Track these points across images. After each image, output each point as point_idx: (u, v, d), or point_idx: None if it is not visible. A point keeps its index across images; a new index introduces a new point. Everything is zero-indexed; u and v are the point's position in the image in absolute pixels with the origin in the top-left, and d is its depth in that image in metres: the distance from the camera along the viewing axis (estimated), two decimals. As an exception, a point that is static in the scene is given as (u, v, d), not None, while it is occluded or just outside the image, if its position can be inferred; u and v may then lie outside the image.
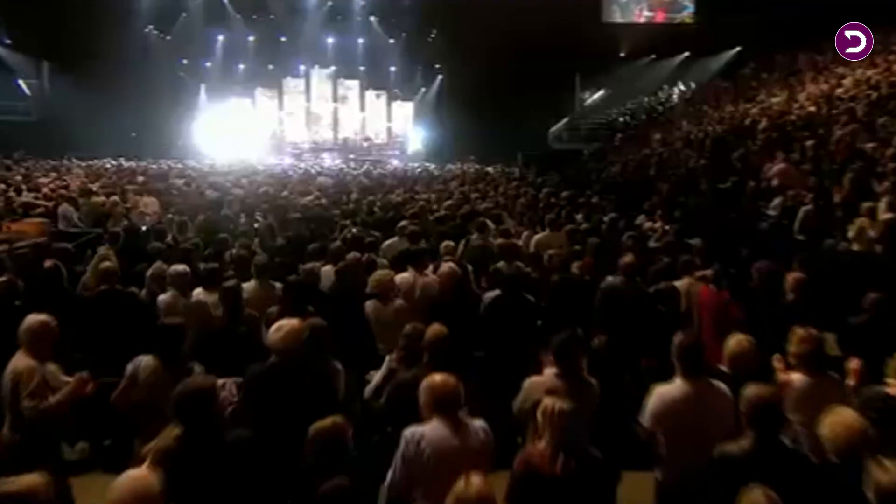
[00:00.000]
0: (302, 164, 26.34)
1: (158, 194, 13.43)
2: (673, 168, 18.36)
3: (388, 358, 4.39)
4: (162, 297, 5.83)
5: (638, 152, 22.86)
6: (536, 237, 8.57)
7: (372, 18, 33.13)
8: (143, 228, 9.65)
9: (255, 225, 10.24)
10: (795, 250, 9.47)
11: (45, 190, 13.20)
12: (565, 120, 32.75)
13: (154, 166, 23.11)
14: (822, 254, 8.93)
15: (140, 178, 17.40)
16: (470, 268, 6.70)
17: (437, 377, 3.43)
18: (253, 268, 6.35)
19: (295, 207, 11.35)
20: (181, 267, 5.92)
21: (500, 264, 6.45)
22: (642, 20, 32.92)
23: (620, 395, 4.49)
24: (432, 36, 32.59)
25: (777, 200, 11.64)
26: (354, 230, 8.97)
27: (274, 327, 4.15)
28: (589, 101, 34.13)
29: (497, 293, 5.86)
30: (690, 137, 20.65)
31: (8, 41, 31.09)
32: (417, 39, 32.92)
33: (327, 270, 6.88)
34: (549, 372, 4.13)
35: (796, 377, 4.08)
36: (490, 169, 24.30)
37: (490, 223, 8.87)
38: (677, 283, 6.14)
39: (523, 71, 29.53)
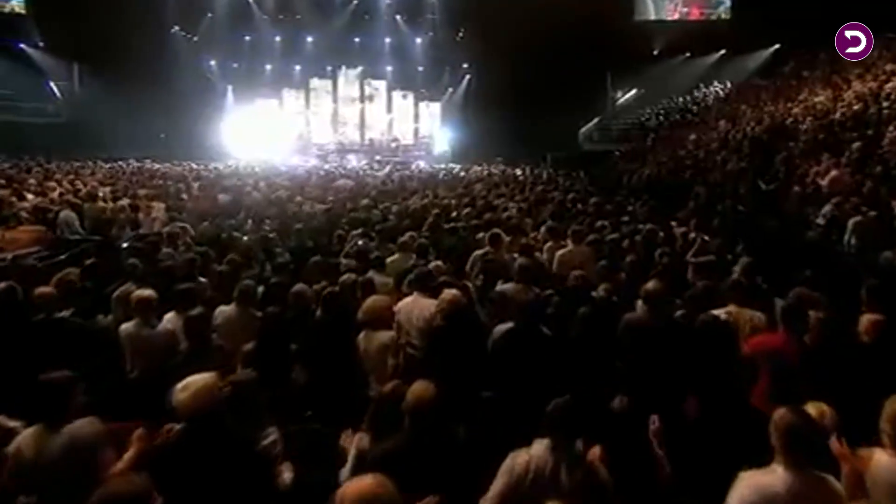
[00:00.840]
0: (326, 166, 25.66)
1: (167, 199, 12.75)
2: (709, 171, 17.24)
3: (357, 436, 3.43)
4: (124, 327, 5.03)
5: (672, 154, 21.70)
6: (560, 252, 7.61)
7: (398, 17, 32.38)
8: (124, 245, 8.86)
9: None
10: (851, 267, 8.44)
11: (52, 195, 12.62)
12: (596, 120, 31.62)
13: (178, 168, 22.60)
14: (882, 270, 7.85)
15: (158, 182, 16.84)
16: (476, 289, 5.80)
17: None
18: (236, 291, 5.53)
19: (304, 215, 10.53)
20: (147, 291, 5.12)
21: (514, 288, 5.53)
22: (676, 17, 31.59)
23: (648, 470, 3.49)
24: (460, 35, 31.78)
25: (827, 208, 10.52)
26: (360, 242, 8.11)
27: (181, 385, 3.27)
28: (621, 101, 32.90)
29: (510, 326, 4.94)
30: (728, 138, 19.44)
31: (41, 43, 31.09)
32: (445, 38, 32.19)
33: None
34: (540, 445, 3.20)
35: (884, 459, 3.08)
36: (518, 171, 23.31)
37: (504, 236, 7.92)
38: (721, 313, 5.11)
39: (553, 70, 28.69)
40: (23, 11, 30.40)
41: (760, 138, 17.61)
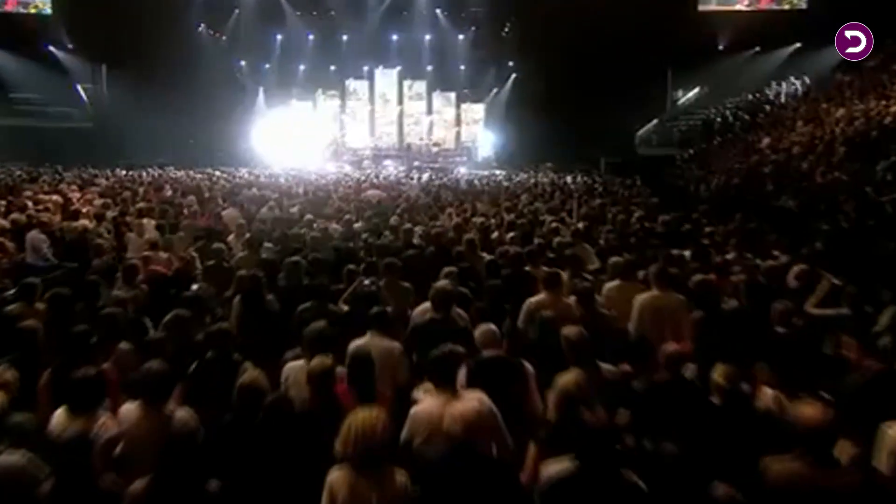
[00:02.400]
0: (357, 174, 24.10)
1: (161, 215, 11.19)
2: (793, 179, 15.00)
3: None
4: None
5: (745, 159, 19.43)
6: (638, 302, 5.68)
7: (438, 12, 30.71)
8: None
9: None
10: None
11: (30, 211, 11.15)
12: (655, 121, 29.55)
13: (199, 176, 21.28)
14: None
15: (167, 193, 15.42)
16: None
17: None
18: (144, 382, 3.77)
19: (312, 241, 8.76)
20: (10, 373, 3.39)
21: (572, 382, 3.64)
22: (745, 7, 29.14)
23: None
24: (505, 30, 30.07)
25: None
26: (368, 282, 6.30)
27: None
28: (682, 101, 30.64)
29: (570, 468, 3.04)
30: (814, 142, 17.11)
31: (69, 46, 30.57)
32: (489, 34, 30.48)
33: (296, 370, 4.28)
34: None
35: None
36: (569, 179, 21.32)
37: (563, 275, 6.06)
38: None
39: (607, 67, 27.04)
40: (49, 12, 29.74)
41: (857, 141, 15.31)
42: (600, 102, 26.92)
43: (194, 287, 5.87)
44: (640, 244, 8.83)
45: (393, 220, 10.30)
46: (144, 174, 21.48)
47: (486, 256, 8.09)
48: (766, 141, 21.00)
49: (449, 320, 5.17)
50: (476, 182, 20.40)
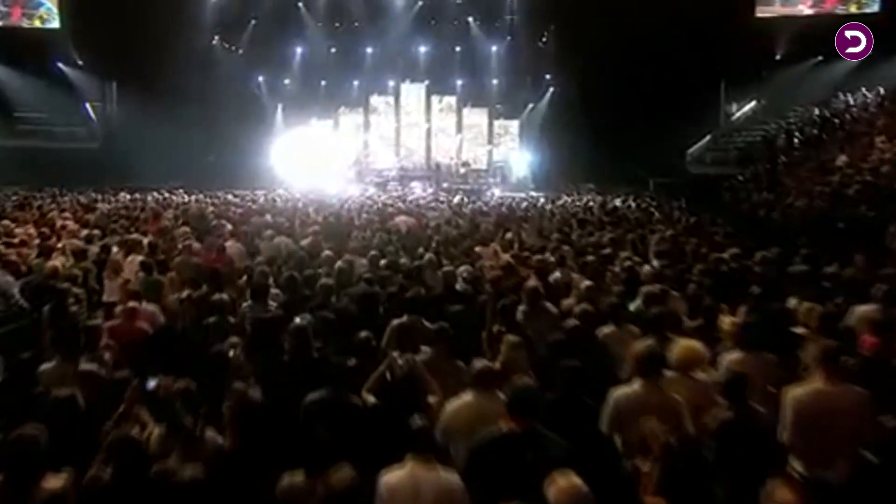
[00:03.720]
0: (383, 196, 22.66)
1: (151, 251, 9.69)
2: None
3: None
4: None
5: (822, 179, 17.57)
6: (794, 400, 3.99)
7: (470, 20, 29.40)
8: None
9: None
10: None
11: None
12: (707, 138, 27.81)
13: (210, 200, 19.95)
14: None
15: (165, 223, 14.01)
16: None
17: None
18: None
19: (321, 288, 7.15)
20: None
21: None
22: (808, 8, 27.40)
23: None
24: (543, 40, 28.54)
25: None
26: (401, 362, 4.65)
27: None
28: (737, 115, 28.84)
29: None
30: (912, 159, 15.27)
31: (78, 62, 29.97)
32: (525, 45, 29.20)
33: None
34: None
35: None
36: (618, 202, 19.62)
37: (670, 354, 4.41)
38: None
39: (654, 79, 25.83)
40: (57, 25, 29.01)
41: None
42: (647, 117, 25.55)
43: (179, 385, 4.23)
44: (741, 291, 7.10)
45: (428, 256, 8.65)
46: (150, 198, 20.27)
47: (552, 309, 6.45)
48: (842, 158, 19.17)
49: (536, 437, 3.50)
50: (514, 206, 18.75)
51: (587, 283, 7.22)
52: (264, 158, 29.09)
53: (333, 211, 16.26)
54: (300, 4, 29.11)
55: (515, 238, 11.60)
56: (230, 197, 20.97)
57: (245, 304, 7.18)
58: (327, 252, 9.20)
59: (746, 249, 9.41)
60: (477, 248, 10.23)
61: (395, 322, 5.98)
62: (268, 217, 14.76)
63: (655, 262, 8.93)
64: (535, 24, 28.44)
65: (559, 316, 6.40)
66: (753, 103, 28.51)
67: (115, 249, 10.10)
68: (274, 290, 7.63)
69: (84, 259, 9.25)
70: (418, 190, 26.88)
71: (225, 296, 7.13)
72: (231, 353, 4.92)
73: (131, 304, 7.07)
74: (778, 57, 28.28)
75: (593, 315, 5.99)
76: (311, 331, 5.08)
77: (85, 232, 11.22)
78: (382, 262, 8.99)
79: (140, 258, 9.20)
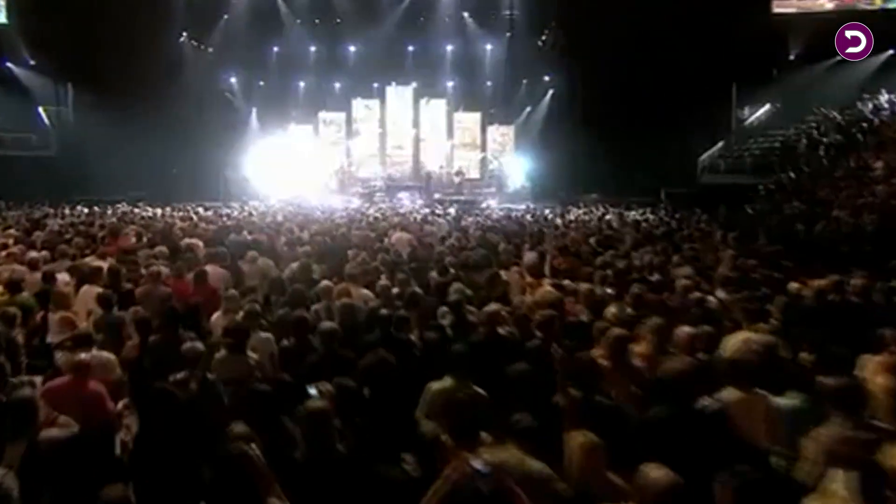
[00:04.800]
0: (371, 208, 21.40)
1: (113, 280, 8.27)
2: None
3: None
4: None
5: (863, 189, 16.57)
6: None
7: (466, 15, 28.36)
8: None
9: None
10: None
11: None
12: (720, 144, 26.86)
13: (178, 214, 18.50)
14: None
15: (132, 239, 12.57)
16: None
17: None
18: None
19: (324, 336, 5.76)
20: None
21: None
22: (830, 6, 26.64)
23: None
24: (543, 38, 27.48)
25: None
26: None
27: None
28: (749, 120, 27.94)
29: None
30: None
31: (31, 62, 28.77)
32: (523, 43, 28.19)
33: None
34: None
35: None
36: (634, 214, 18.46)
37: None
38: None
39: (661, 82, 25.15)
40: (5, 21, 27.56)
41: None
42: (654, 123, 24.81)
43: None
44: (857, 331, 5.86)
45: (454, 292, 7.25)
46: (109, 212, 18.80)
47: (639, 364, 5.16)
48: (877, 165, 18.27)
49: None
50: (521, 220, 17.47)
51: (656, 321, 5.92)
52: (237, 167, 28.04)
53: (322, 227, 14.85)
54: (278, -1, 28.04)
55: (539, 260, 10.30)
56: (200, 210, 19.53)
57: (218, 355, 5.81)
58: (325, 282, 7.82)
59: (818, 274, 8.18)
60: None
61: (437, 387, 4.66)
62: (245, 234, 13.36)
63: (721, 293, 7.68)
64: (534, 22, 27.53)
65: (645, 373, 5.10)
66: (767, 107, 27.58)
67: (63, 277, 8.67)
68: (263, 335, 6.28)
69: (20, 290, 7.79)
70: (407, 201, 25.92)
71: (199, 344, 5.74)
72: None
73: (81, 355, 5.66)
74: (791, 57, 27.52)
75: (694, 373, 4.69)
76: (332, 415, 3.70)
77: (33, 253, 9.74)
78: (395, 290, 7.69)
79: (97, 289, 7.77)
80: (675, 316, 6.69)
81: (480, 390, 4.84)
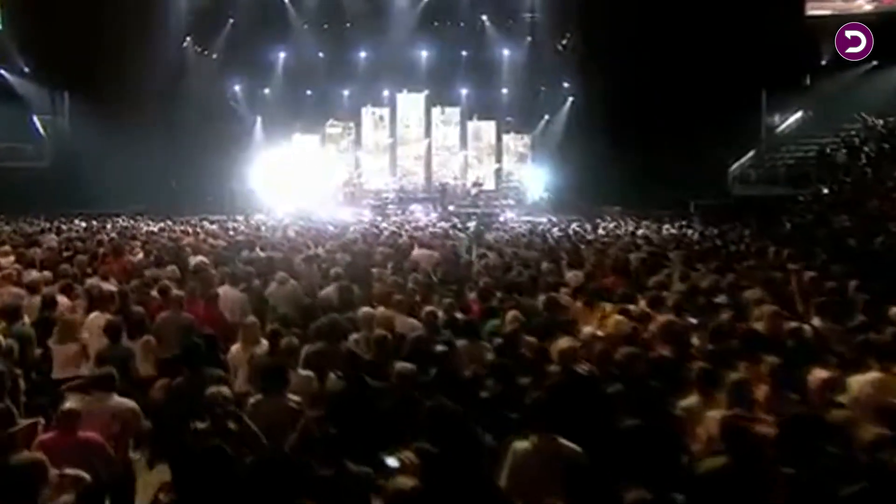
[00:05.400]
0: (384, 223, 20.75)
1: (122, 305, 7.59)
2: None
3: None
4: None
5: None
6: None
7: (485, 18, 27.86)
8: None
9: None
10: None
11: None
12: (750, 154, 26.26)
13: (181, 229, 17.77)
14: None
15: (138, 255, 11.92)
16: None
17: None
18: None
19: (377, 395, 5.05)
20: None
21: None
22: (868, 7, 26.09)
23: None
24: (563, 42, 27.02)
25: None
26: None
27: None
28: (781, 128, 27.36)
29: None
30: None
31: (26, 69, 28.47)
32: (543, 48, 27.81)
33: None
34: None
35: None
36: (670, 229, 17.77)
37: None
38: None
39: (687, 88, 24.50)
40: (-1, 27, 27.28)
41: None
42: (680, 131, 24.16)
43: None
44: None
45: (510, 321, 6.51)
46: (109, 226, 18.18)
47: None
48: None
49: None
50: (550, 236, 16.71)
51: (772, 360, 5.19)
52: (241, 178, 27.56)
53: (339, 243, 14.12)
54: (286, 1, 27.63)
55: (586, 280, 9.55)
56: (206, 224, 18.86)
57: (252, 399, 5.10)
58: (365, 308, 7.10)
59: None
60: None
61: (521, 447, 3.96)
62: (258, 252, 12.64)
63: (817, 321, 6.94)
64: (556, 26, 27.05)
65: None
66: (799, 114, 27.02)
67: (63, 301, 8.00)
68: (304, 373, 5.55)
69: (18, 318, 7.10)
70: (420, 214, 25.40)
71: (224, 388, 5.02)
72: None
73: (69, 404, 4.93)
74: (824, 62, 26.90)
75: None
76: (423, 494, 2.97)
77: (33, 273, 9.07)
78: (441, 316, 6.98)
79: (108, 317, 7.07)
80: (766, 349, 6.00)
81: (572, 445, 4.15)
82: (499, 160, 29.83)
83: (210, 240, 14.62)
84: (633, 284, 9.21)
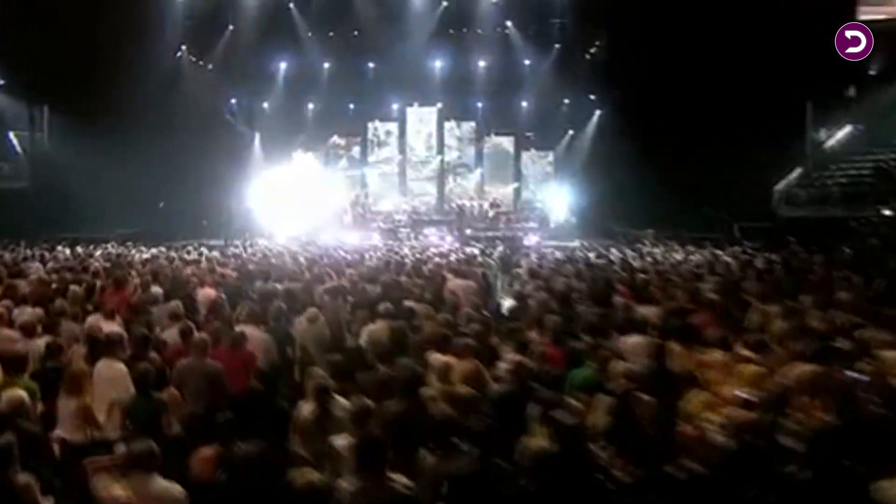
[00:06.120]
0: (402, 247, 20.11)
1: (138, 353, 6.74)
2: None
3: None
4: None
5: None
6: None
7: (509, 24, 27.49)
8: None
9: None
10: None
11: None
12: (797, 172, 25.64)
13: (175, 255, 16.93)
14: None
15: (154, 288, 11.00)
16: None
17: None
18: None
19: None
20: None
21: None
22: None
23: None
24: (591, 51, 26.50)
25: None
26: None
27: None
28: (829, 143, 26.81)
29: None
30: None
31: (1, 82, 27.95)
32: (569, 58, 27.35)
33: None
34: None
35: None
36: (724, 255, 16.97)
37: None
38: None
39: (725, 100, 24.07)
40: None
41: None
42: (719, 148, 23.57)
43: None
44: None
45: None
46: (99, 252, 17.33)
47: None
48: None
49: None
50: (588, 262, 15.92)
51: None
52: (239, 199, 27.02)
53: (360, 271, 13.29)
54: (291, 6, 27.15)
55: (666, 316, 8.71)
56: (205, 251, 18.01)
57: (347, 486, 4.19)
58: (436, 356, 6.22)
59: None
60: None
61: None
62: (272, 284, 11.71)
63: None
64: (585, 32, 26.65)
65: None
66: (848, 129, 26.41)
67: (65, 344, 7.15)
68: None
69: (24, 369, 6.27)
70: (435, 238, 24.85)
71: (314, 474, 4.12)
72: None
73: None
74: (872, 72, 26.41)
75: None
76: None
77: (28, 311, 8.22)
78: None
79: (118, 365, 6.22)
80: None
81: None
82: (517, 179, 29.39)
83: (217, 267, 13.79)
84: (729, 322, 8.41)
